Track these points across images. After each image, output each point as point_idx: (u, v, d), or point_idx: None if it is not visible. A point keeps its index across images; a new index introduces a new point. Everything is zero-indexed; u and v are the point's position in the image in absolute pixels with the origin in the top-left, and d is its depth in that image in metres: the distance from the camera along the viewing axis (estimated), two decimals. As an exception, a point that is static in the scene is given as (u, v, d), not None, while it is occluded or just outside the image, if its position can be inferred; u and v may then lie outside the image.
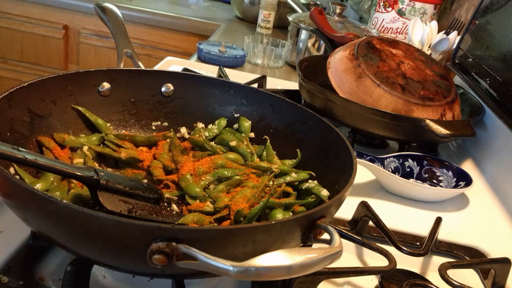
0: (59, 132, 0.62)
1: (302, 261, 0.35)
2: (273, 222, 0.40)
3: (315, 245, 0.41)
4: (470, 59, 0.99)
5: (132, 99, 0.71)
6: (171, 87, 0.73)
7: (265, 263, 0.34)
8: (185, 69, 1.10)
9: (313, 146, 0.66)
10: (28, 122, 0.58)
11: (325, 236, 0.44)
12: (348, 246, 0.63)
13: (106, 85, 0.68)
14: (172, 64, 1.28)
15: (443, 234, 0.67)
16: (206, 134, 0.70)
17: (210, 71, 1.23)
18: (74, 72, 0.64)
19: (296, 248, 0.37)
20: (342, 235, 0.55)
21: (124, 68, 0.71)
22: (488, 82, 0.90)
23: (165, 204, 0.56)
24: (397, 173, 0.82)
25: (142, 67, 0.81)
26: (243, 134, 0.71)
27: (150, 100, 0.71)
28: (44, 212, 0.40)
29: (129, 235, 0.38)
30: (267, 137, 0.70)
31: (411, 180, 0.83)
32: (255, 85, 1.09)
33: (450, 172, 0.82)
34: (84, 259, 0.46)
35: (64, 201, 0.38)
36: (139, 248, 0.37)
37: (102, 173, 0.49)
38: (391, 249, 0.56)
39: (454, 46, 1.09)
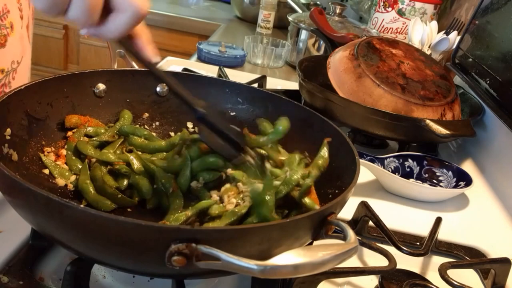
0: (58, 132, 0.62)
1: (322, 257, 0.36)
2: (288, 220, 0.41)
3: (327, 241, 0.42)
4: (470, 59, 0.99)
5: (128, 100, 0.70)
6: (166, 87, 0.72)
7: (287, 261, 0.35)
8: (185, 69, 1.10)
9: (313, 145, 0.65)
10: (26, 126, 0.57)
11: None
12: (348, 246, 0.63)
13: (101, 86, 0.68)
14: (172, 64, 1.28)
15: (443, 234, 0.67)
16: None
17: (210, 71, 1.23)
18: (69, 73, 0.64)
19: (315, 245, 0.38)
20: (343, 235, 0.55)
21: (118, 69, 0.70)
22: (488, 82, 0.90)
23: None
24: (397, 173, 0.82)
25: (136, 67, 0.81)
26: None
27: (145, 100, 0.71)
28: (60, 218, 0.39)
29: (148, 238, 0.38)
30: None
31: (411, 180, 0.83)
32: (255, 85, 1.09)
33: (450, 172, 0.82)
34: (87, 260, 0.46)
35: (81, 205, 0.38)
36: (158, 250, 0.37)
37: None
38: (391, 249, 0.56)
39: (454, 46, 1.09)
